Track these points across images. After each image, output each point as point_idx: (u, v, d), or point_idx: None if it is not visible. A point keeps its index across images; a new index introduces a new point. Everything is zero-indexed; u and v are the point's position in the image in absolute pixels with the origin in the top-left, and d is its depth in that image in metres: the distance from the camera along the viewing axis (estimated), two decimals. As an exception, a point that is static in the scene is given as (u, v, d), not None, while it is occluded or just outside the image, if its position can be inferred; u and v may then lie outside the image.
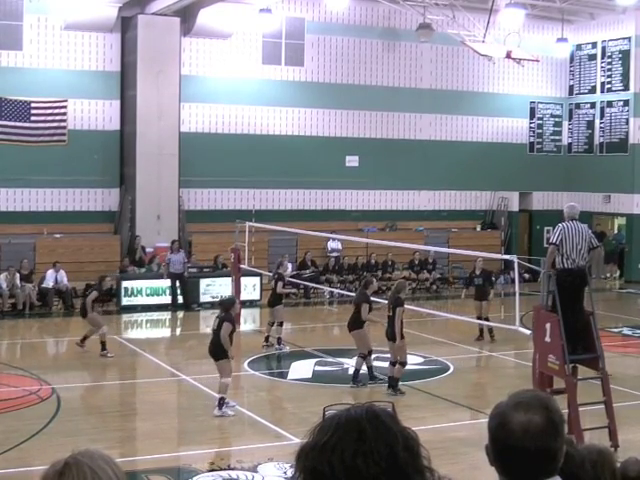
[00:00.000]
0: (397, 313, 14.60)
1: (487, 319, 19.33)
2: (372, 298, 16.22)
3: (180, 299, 24.25)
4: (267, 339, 18.87)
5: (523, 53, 28.19)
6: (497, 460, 2.46)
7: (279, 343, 18.59)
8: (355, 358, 15.69)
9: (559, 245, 11.80)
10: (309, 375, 16.48)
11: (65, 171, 25.97)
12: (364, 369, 15.61)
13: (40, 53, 25.95)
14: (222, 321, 13.58)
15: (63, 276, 23.92)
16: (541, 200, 32.94)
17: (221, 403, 13.46)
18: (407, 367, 15.05)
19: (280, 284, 18.91)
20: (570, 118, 33.40)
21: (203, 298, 24.67)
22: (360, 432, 2.02)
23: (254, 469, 10.96)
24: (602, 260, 29.11)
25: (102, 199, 26.89)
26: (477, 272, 20.44)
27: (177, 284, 24.20)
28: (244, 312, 22.92)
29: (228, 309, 13.80)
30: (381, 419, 2.05)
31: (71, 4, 25.64)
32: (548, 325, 11.67)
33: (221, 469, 11.03)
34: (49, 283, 23.73)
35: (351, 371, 15.90)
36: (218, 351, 13.62)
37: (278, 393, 15.56)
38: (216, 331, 13.66)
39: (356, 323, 15.69)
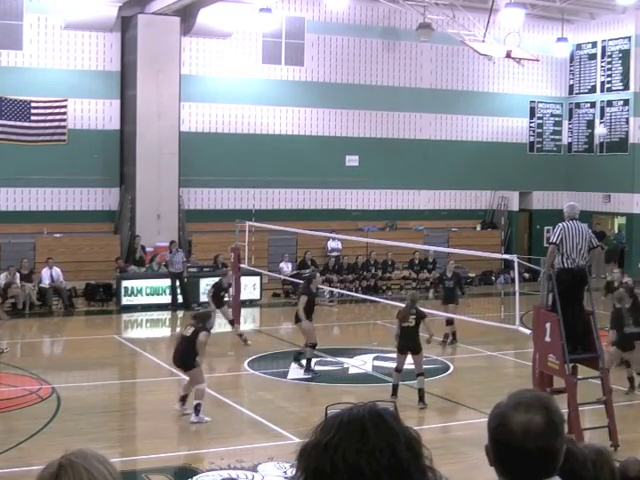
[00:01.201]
0: (424, 324, 14.52)
1: (451, 322, 19.13)
2: (369, 297, 16.34)
3: (180, 298, 24.27)
4: (241, 336, 19.28)
5: (523, 53, 28.18)
6: (497, 460, 2.45)
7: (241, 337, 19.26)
8: (306, 349, 16.51)
9: (559, 245, 11.81)
10: (309, 375, 16.48)
11: (65, 171, 25.97)
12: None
13: (40, 53, 25.94)
14: (199, 331, 13.34)
15: (59, 273, 23.90)
16: (541, 200, 32.94)
17: (197, 409, 13.24)
18: (407, 367, 15.03)
19: (212, 291, 19.78)
20: (570, 117, 33.40)
21: (203, 298, 24.65)
22: (363, 431, 2.02)
23: (254, 469, 10.96)
24: (602, 259, 29.13)
25: (102, 199, 26.89)
26: (449, 274, 19.83)
27: (177, 284, 24.23)
28: (244, 312, 22.94)
29: (205, 321, 13.64)
30: (383, 418, 2.05)
31: (71, 4, 25.63)
32: (548, 325, 11.67)
33: (221, 469, 11.03)
34: (45, 282, 23.74)
35: (352, 371, 15.92)
36: (188, 360, 13.38)
37: (278, 393, 15.56)
38: (188, 339, 13.37)
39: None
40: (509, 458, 2.41)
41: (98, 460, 2.13)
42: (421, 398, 14.19)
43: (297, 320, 16.62)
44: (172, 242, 25.02)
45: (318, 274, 18.20)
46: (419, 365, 14.32)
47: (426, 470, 2.04)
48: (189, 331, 13.49)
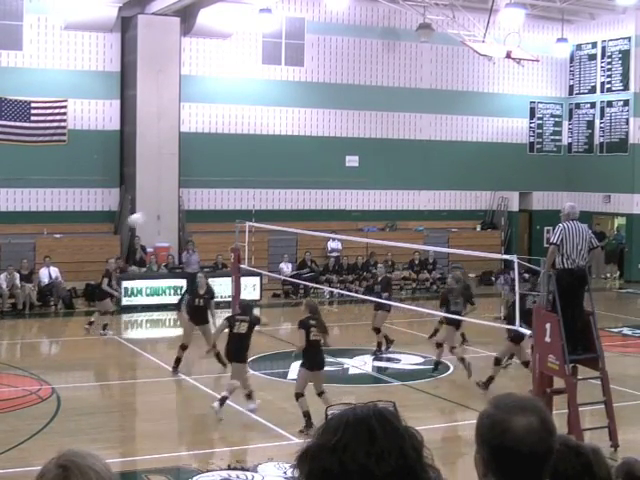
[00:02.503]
0: (324, 339, 12.82)
1: (379, 330, 18.18)
2: (369, 297, 16.42)
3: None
4: (105, 327, 20.22)
5: (523, 53, 28.19)
6: (498, 468, 2.41)
7: (104, 328, 20.21)
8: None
9: (559, 245, 11.81)
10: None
11: (65, 171, 25.97)
12: None
13: (40, 53, 25.94)
14: (254, 324, 13.67)
15: (56, 272, 23.89)
16: (541, 200, 32.94)
17: (223, 402, 13.29)
18: (407, 367, 15.01)
19: (105, 280, 20.62)
20: (570, 118, 33.40)
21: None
22: (370, 432, 2.01)
23: (254, 469, 10.96)
24: (602, 260, 29.14)
25: (102, 199, 26.89)
26: (379, 278, 18.98)
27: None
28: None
29: (252, 312, 13.98)
30: (388, 418, 2.05)
31: (71, 4, 25.63)
32: (548, 325, 11.67)
33: (221, 469, 11.03)
34: (44, 280, 23.74)
35: (352, 371, 15.93)
36: (242, 354, 13.50)
37: (278, 393, 15.55)
38: (245, 335, 13.47)
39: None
40: (515, 464, 2.37)
41: (94, 458, 2.13)
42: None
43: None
44: (188, 242, 24.94)
45: (202, 275, 17.70)
46: (321, 382, 12.83)
47: (428, 469, 2.05)
48: (245, 327, 13.53)
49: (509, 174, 31.81)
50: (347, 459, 1.98)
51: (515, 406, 2.42)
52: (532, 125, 33.06)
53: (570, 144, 33.46)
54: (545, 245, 26.30)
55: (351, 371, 16.94)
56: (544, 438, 2.38)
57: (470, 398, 14.83)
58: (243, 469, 10.98)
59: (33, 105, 25.68)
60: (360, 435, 2.01)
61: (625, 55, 31.10)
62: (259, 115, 28.66)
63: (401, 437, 2.02)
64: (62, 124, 26.14)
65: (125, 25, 26.72)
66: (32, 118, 25.70)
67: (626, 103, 31.17)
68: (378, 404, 2.10)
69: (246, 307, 14.15)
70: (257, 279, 25.00)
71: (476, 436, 2.45)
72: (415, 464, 2.01)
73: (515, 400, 2.46)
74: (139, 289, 24.21)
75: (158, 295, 24.29)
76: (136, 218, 22.71)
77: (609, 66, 31.71)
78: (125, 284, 24.09)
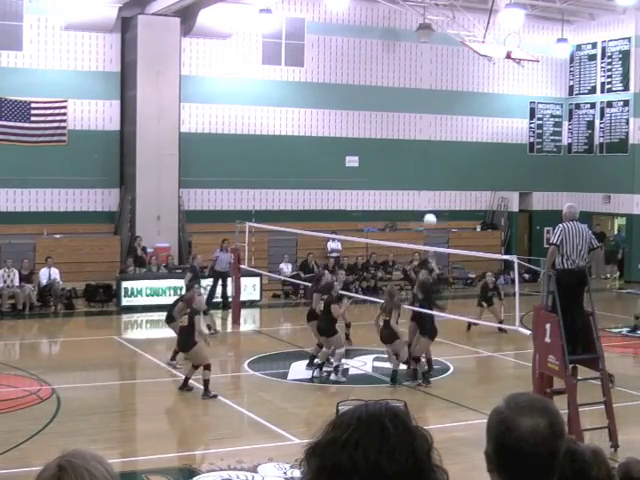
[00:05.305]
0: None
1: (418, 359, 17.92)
2: (369, 298, 16.40)
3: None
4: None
5: (523, 53, 28.20)
6: (502, 466, 2.41)
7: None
8: None
9: (559, 245, 11.81)
10: (309, 375, 16.47)
11: (65, 171, 25.97)
12: None
13: (40, 53, 25.94)
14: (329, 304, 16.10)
15: (56, 273, 23.89)
16: (541, 200, 32.94)
17: (337, 369, 15.79)
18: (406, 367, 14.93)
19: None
20: (570, 118, 33.40)
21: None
22: (383, 429, 2.00)
23: (254, 469, 10.96)
24: (602, 260, 29.12)
25: (102, 199, 26.89)
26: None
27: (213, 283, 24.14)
28: (244, 312, 22.95)
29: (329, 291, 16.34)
30: (400, 417, 2.04)
31: (71, 4, 25.64)
32: (548, 325, 11.67)
33: (221, 469, 11.03)
34: (43, 281, 23.75)
35: (352, 371, 15.92)
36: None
37: (278, 393, 15.56)
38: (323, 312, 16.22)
39: None
40: (517, 463, 2.36)
41: (97, 460, 2.12)
42: None
43: None
44: (224, 240, 24.42)
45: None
46: (395, 351, 15.76)
47: (436, 469, 2.04)
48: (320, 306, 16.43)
49: (509, 174, 31.81)
50: (358, 455, 1.97)
51: (525, 406, 2.41)
52: (532, 125, 33.06)
53: (570, 144, 33.46)
54: (545, 245, 26.30)
55: (351, 372, 16.93)
56: (549, 441, 2.36)
57: (470, 399, 14.83)
58: (243, 470, 10.97)
59: (33, 105, 25.69)
60: (372, 432, 2.00)
61: (625, 55, 31.10)
62: (259, 115, 28.66)
63: (413, 436, 2.02)
64: (62, 124, 26.14)
65: (125, 25, 26.72)
66: (32, 118, 25.70)
67: (626, 103, 31.17)
68: (390, 402, 2.09)
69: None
70: (257, 279, 24.99)
71: (486, 431, 2.45)
72: (425, 464, 2.01)
73: (526, 400, 2.45)
74: (139, 289, 24.21)
75: (158, 295, 24.28)
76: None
77: (609, 66, 31.71)
78: (125, 284, 24.09)
